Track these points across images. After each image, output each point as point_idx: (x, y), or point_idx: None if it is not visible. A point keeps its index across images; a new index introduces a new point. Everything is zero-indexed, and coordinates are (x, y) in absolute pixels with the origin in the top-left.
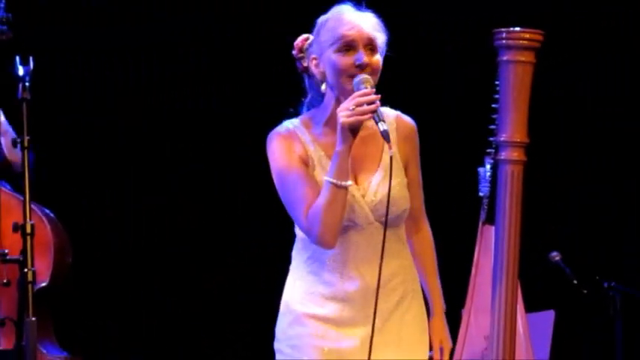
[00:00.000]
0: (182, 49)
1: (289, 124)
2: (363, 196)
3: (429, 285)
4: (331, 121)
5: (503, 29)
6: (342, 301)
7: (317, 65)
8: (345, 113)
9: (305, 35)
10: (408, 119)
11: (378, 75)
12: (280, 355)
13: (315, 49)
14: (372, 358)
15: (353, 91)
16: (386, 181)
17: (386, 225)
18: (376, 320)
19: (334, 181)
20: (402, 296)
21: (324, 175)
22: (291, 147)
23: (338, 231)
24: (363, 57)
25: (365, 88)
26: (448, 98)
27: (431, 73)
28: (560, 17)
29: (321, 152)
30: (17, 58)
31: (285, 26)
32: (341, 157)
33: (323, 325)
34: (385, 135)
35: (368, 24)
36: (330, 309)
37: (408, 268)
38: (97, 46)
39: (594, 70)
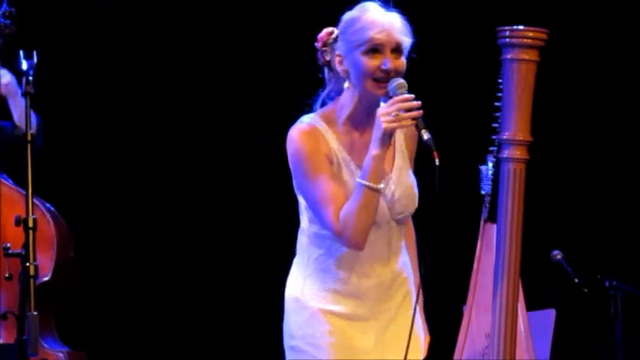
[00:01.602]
0: (186, 47)
1: (308, 119)
2: (383, 195)
3: (414, 278)
4: (351, 119)
5: (506, 27)
6: (357, 298)
7: (341, 62)
8: (387, 119)
9: (329, 29)
10: None
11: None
12: (297, 353)
13: (341, 46)
14: (384, 353)
15: (374, 94)
16: (401, 179)
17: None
18: (386, 316)
19: (369, 184)
20: (407, 291)
21: (347, 175)
22: (318, 145)
23: (369, 233)
24: (389, 63)
25: (402, 94)
26: (450, 96)
27: (433, 70)
28: (560, 17)
29: (343, 151)
30: (21, 53)
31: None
32: (378, 160)
33: (340, 321)
34: (429, 143)
35: (397, 28)
36: (345, 306)
37: (408, 264)
38: (101, 43)
39: (594, 70)
